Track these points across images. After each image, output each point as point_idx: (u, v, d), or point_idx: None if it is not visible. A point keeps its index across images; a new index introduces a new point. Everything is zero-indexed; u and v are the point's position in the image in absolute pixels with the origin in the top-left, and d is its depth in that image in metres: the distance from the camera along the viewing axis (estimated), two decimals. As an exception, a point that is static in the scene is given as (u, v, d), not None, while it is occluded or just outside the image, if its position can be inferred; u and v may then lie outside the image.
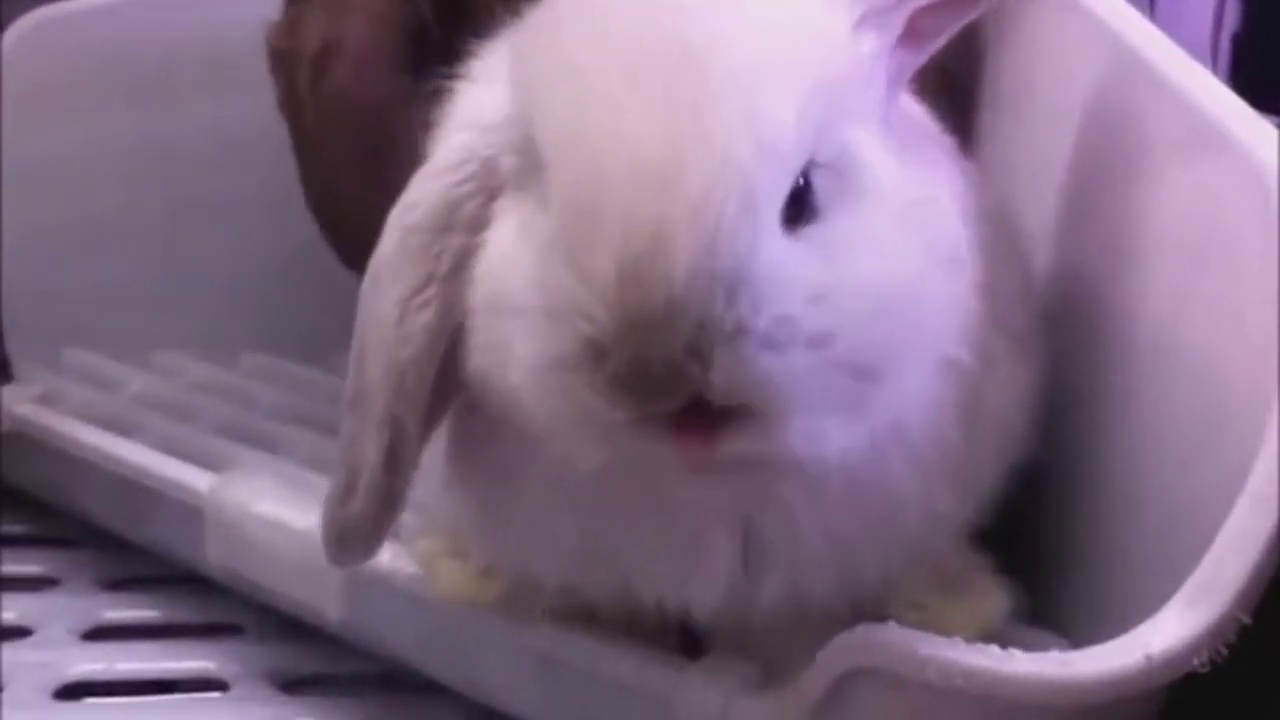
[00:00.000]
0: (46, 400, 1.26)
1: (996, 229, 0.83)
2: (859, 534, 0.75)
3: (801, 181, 0.67)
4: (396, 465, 0.77)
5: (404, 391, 0.76)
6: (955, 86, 1.11)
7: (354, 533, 0.80)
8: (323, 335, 1.25)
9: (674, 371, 0.63)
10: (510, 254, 0.71)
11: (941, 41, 0.78)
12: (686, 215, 0.62)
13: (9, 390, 1.26)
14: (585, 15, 0.70)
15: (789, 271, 0.64)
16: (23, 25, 1.46)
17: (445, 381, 0.76)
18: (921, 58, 0.78)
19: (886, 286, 0.67)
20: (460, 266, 0.74)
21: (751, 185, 0.64)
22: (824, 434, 0.66)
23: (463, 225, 0.74)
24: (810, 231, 0.67)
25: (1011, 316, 0.83)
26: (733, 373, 0.63)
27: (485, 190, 0.75)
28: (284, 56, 1.18)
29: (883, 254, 0.68)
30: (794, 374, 0.64)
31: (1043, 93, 1.08)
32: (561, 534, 0.78)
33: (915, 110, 0.84)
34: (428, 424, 0.78)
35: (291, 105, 1.20)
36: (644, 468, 0.68)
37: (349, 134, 1.16)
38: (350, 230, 1.21)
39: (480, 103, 0.78)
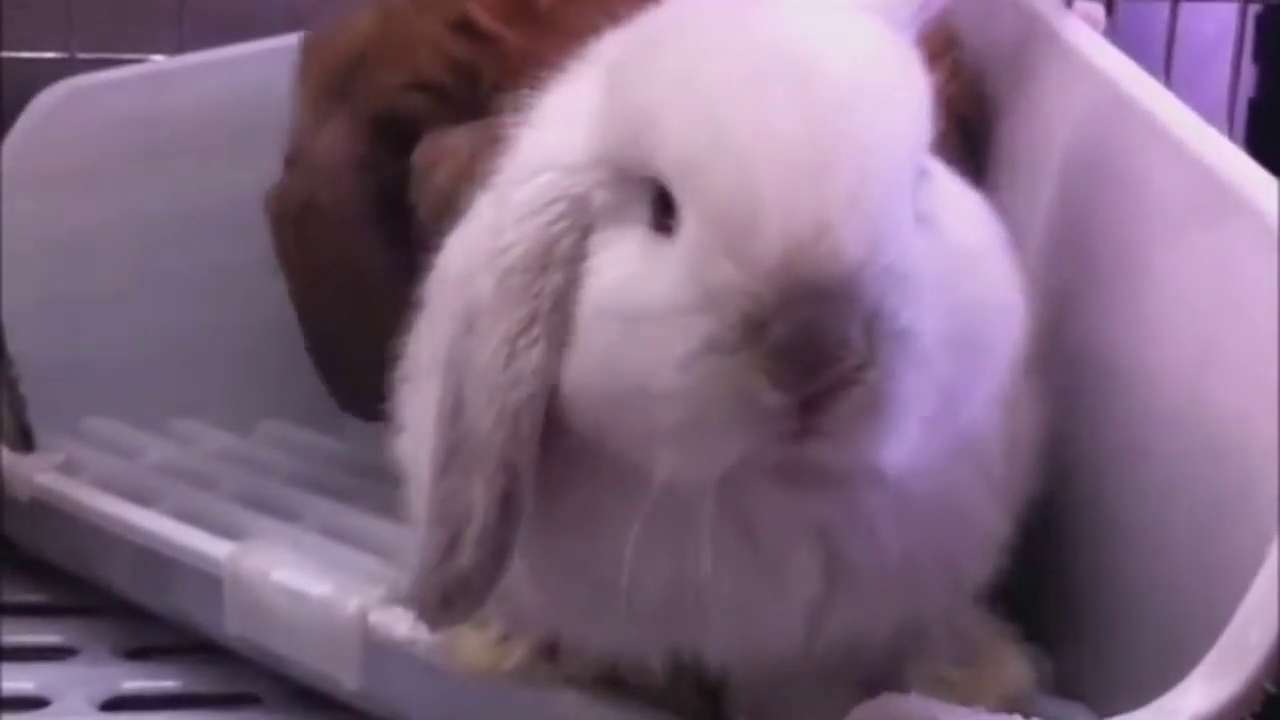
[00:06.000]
0: (67, 469, 1.26)
1: None
2: (931, 553, 0.76)
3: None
4: (511, 513, 0.74)
5: (518, 435, 0.73)
6: (971, 139, 1.13)
7: (461, 589, 0.76)
8: (339, 403, 1.26)
9: (843, 345, 0.63)
10: (633, 273, 0.70)
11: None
12: (846, 202, 0.63)
13: (31, 459, 1.26)
14: (688, 40, 0.71)
15: (937, 277, 0.66)
16: (49, 96, 1.49)
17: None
18: None
19: (992, 299, 0.71)
20: (562, 303, 0.72)
21: (898, 179, 0.66)
22: (915, 444, 0.67)
23: (560, 263, 0.73)
24: (926, 238, 0.68)
25: (1027, 355, 0.83)
26: (890, 373, 0.64)
27: (578, 228, 0.73)
28: (275, 218, 1.26)
29: (978, 271, 0.71)
30: (923, 388, 0.66)
31: (1057, 156, 1.08)
32: (645, 573, 0.74)
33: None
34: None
35: (285, 261, 1.27)
36: (741, 487, 0.68)
37: (331, 285, 1.24)
38: (341, 373, 1.28)
39: (555, 144, 0.76)
